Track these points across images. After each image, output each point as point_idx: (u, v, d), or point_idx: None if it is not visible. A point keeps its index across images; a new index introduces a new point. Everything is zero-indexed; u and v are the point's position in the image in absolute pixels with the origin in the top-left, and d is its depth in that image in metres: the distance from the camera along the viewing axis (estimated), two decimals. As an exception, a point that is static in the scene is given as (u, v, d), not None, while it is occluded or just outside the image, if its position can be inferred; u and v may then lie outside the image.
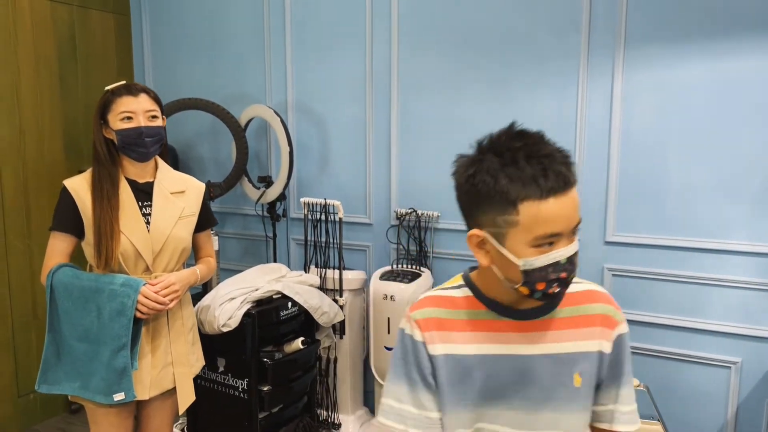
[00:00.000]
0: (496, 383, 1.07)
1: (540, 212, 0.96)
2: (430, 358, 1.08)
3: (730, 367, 2.41)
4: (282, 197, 3.19)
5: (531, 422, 1.07)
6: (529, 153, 0.97)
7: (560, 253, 0.98)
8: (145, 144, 1.86)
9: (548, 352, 1.07)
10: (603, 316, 1.10)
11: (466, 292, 1.12)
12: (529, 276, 0.99)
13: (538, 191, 0.95)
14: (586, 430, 1.11)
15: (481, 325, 1.08)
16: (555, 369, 1.07)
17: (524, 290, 1.01)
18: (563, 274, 0.99)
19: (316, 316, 2.68)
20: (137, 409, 2.00)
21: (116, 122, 1.84)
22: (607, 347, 1.09)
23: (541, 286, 0.99)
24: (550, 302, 1.07)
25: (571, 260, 0.99)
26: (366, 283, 3.03)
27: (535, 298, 1.02)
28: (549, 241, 0.98)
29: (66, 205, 1.86)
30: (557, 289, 1.01)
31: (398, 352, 1.11)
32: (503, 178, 0.97)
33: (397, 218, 3.01)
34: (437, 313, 1.09)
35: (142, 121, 1.85)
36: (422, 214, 2.94)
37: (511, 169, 0.97)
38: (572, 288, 1.10)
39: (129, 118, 1.84)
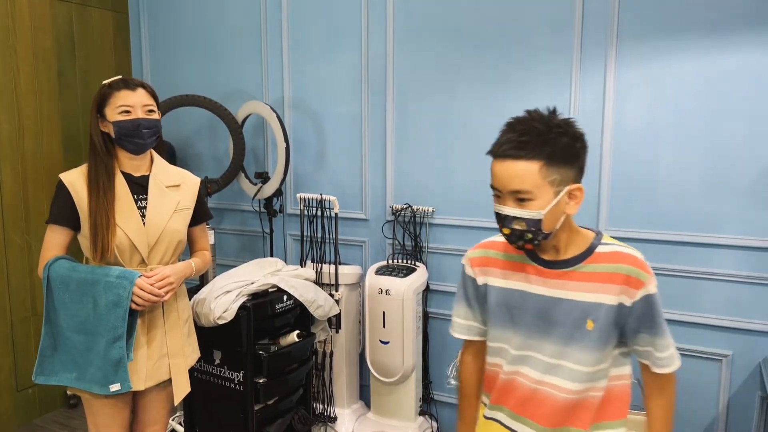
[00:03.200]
0: (522, 315, 1.33)
1: (492, 168, 1.26)
2: (479, 287, 1.41)
3: (721, 360, 2.44)
4: (279, 193, 3.21)
5: (547, 351, 1.31)
6: (511, 125, 1.25)
7: (499, 207, 1.26)
8: (143, 135, 1.89)
9: (564, 297, 1.29)
10: (626, 276, 1.25)
11: None
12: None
13: (489, 151, 1.27)
14: (598, 366, 1.29)
15: (515, 266, 1.36)
16: (569, 312, 1.28)
17: (499, 226, 1.29)
18: (500, 224, 1.26)
19: (311, 310, 2.70)
20: (133, 400, 2.02)
21: (114, 115, 1.87)
22: (628, 302, 1.26)
23: (499, 226, 1.28)
24: (518, 248, 1.29)
25: (508, 219, 1.24)
26: (362, 277, 3.05)
27: (506, 240, 1.29)
28: (496, 193, 1.27)
29: (62, 198, 1.89)
30: (508, 232, 1.26)
31: (459, 281, 1.49)
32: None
33: (393, 213, 3.03)
34: (485, 253, 1.42)
35: (140, 114, 1.88)
36: (417, 209, 2.97)
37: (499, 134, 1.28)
38: (601, 249, 1.30)
39: (127, 111, 1.87)
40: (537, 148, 1.20)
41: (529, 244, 1.25)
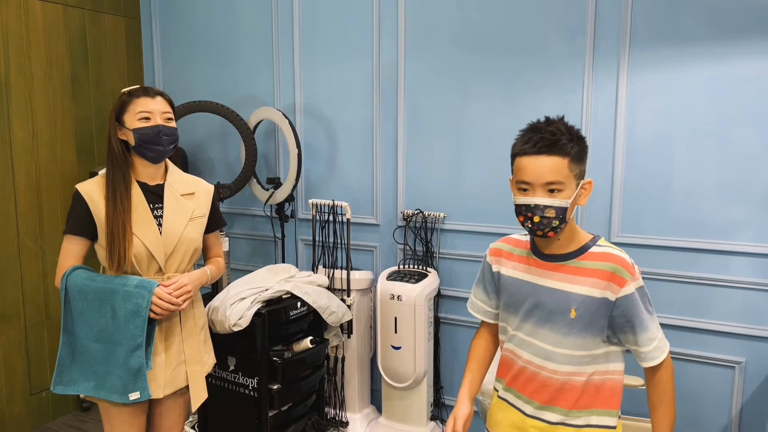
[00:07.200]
0: (520, 300, 1.53)
1: (518, 164, 1.43)
2: (493, 273, 1.62)
3: (734, 367, 2.44)
4: (290, 198, 3.23)
5: (536, 334, 1.49)
6: (536, 128, 1.42)
7: (529, 199, 1.41)
8: (163, 142, 1.90)
9: (554, 287, 1.47)
10: (611, 273, 1.41)
11: (529, 237, 1.57)
12: (516, 209, 1.45)
13: (517, 150, 1.44)
14: (581, 352, 1.45)
15: (523, 259, 1.55)
16: (556, 300, 1.46)
17: (520, 219, 1.44)
18: (529, 214, 1.41)
19: (324, 316, 2.72)
20: (150, 407, 2.04)
21: (134, 122, 1.88)
22: (612, 298, 1.41)
23: (520, 219, 1.44)
24: (538, 237, 1.46)
25: (539, 208, 1.39)
26: (373, 283, 3.07)
27: (527, 229, 1.44)
28: (523, 187, 1.42)
29: (79, 209, 1.90)
30: (530, 225, 1.42)
31: (480, 267, 1.69)
32: (516, 140, 1.46)
33: (404, 219, 3.04)
34: (504, 247, 1.62)
35: (159, 121, 1.90)
36: (429, 214, 2.97)
37: (520, 136, 1.45)
38: (594, 249, 1.46)
39: (147, 118, 1.89)
40: (566, 146, 1.39)
41: (552, 231, 1.41)
